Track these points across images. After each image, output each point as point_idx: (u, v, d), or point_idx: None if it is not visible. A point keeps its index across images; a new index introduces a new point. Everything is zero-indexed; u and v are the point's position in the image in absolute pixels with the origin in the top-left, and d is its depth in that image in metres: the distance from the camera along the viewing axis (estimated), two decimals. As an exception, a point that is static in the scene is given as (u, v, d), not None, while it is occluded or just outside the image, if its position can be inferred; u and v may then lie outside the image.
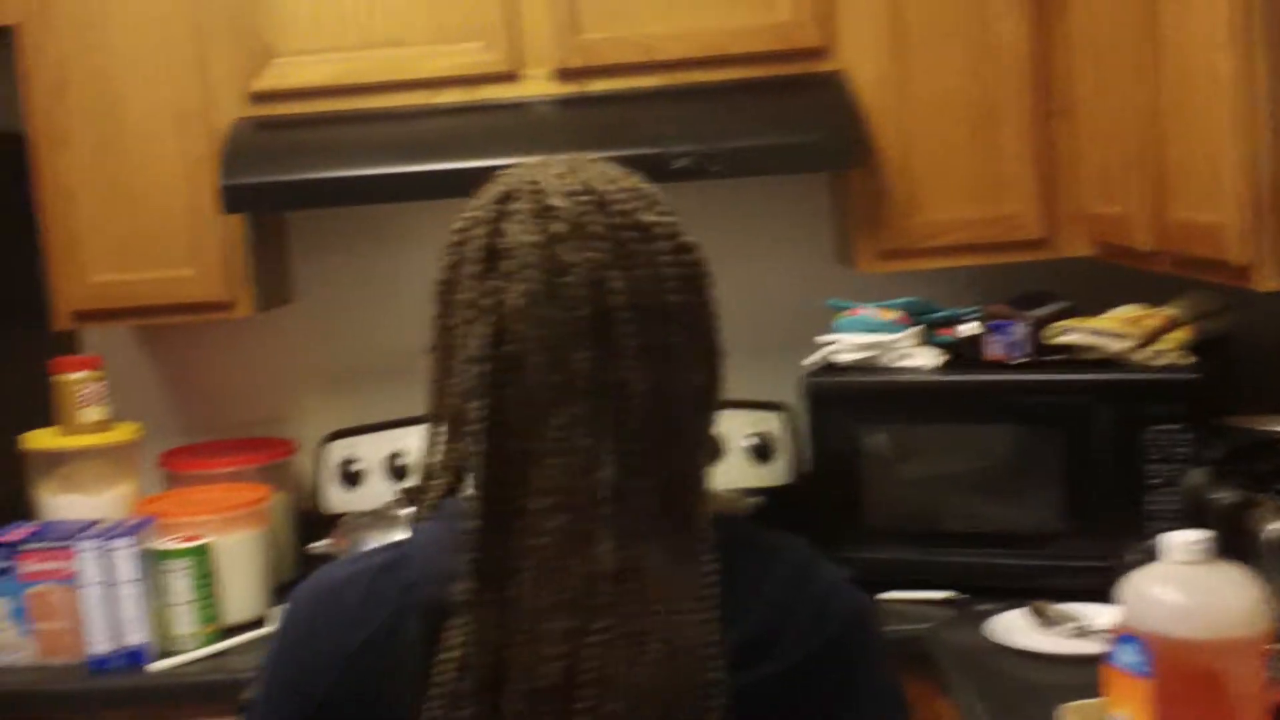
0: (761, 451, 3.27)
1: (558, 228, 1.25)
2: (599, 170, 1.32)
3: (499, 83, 3.03)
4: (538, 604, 1.21)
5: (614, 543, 1.22)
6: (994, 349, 2.87)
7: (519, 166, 1.34)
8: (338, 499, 3.32)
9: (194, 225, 3.05)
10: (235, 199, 2.91)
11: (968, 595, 2.87)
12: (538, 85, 3.03)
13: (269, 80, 3.02)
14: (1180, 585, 1.93)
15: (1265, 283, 2.11)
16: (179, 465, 3.28)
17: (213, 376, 3.53)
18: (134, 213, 3.05)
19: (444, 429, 1.33)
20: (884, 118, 2.98)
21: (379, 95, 3.03)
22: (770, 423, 3.29)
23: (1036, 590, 2.77)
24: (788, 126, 2.91)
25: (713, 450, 1.36)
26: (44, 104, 3.04)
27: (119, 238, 3.06)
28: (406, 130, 3.00)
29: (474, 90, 3.03)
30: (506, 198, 1.29)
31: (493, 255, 1.26)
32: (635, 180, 1.33)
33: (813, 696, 1.29)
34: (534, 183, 1.29)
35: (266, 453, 3.31)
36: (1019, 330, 2.85)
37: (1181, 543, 1.94)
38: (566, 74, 3.02)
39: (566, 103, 3.02)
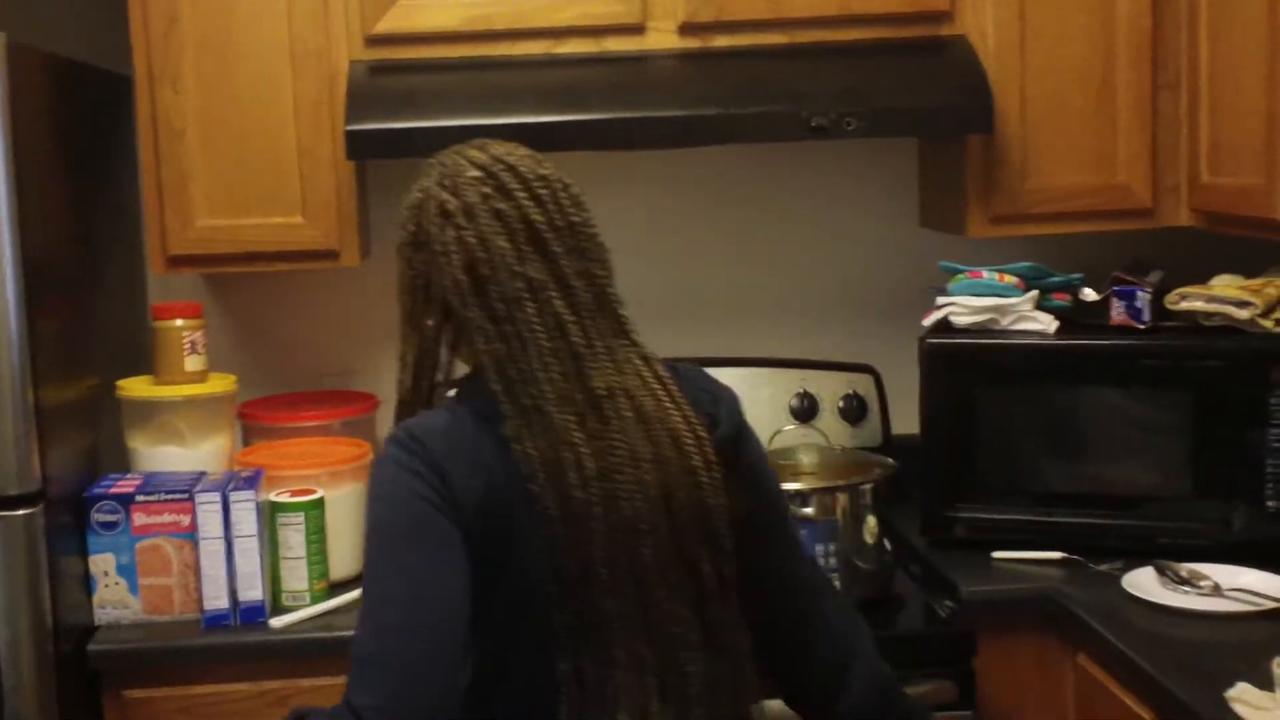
0: (853, 413, 3.29)
1: (485, 189, 1.80)
2: (504, 145, 1.87)
3: (624, 34, 2.99)
4: (564, 420, 1.75)
5: (598, 372, 1.78)
6: (1119, 314, 2.93)
7: (442, 153, 1.89)
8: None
9: (305, 170, 2.97)
10: (360, 144, 2.84)
11: (1079, 556, 2.92)
12: (663, 39, 2.99)
13: (391, 23, 2.94)
14: None
15: None
16: (259, 417, 3.19)
17: (283, 328, 3.43)
18: (243, 156, 2.95)
19: (421, 345, 1.87)
20: (1004, 84, 3.01)
21: (501, 43, 2.97)
22: (861, 384, 3.31)
23: (1151, 552, 2.84)
24: (922, 89, 2.92)
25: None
26: (153, 41, 2.92)
27: (227, 181, 2.95)
28: (530, 80, 2.94)
29: (598, 41, 2.99)
30: (442, 175, 1.84)
31: (445, 214, 1.80)
32: (523, 149, 1.88)
33: (742, 450, 1.91)
34: (459, 161, 1.85)
35: (349, 406, 3.24)
36: (1143, 296, 2.91)
37: None
38: (692, 28, 2.99)
39: (689, 57, 2.99)
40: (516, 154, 1.85)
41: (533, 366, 1.76)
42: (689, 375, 1.91)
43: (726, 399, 1.92)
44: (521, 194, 1.80)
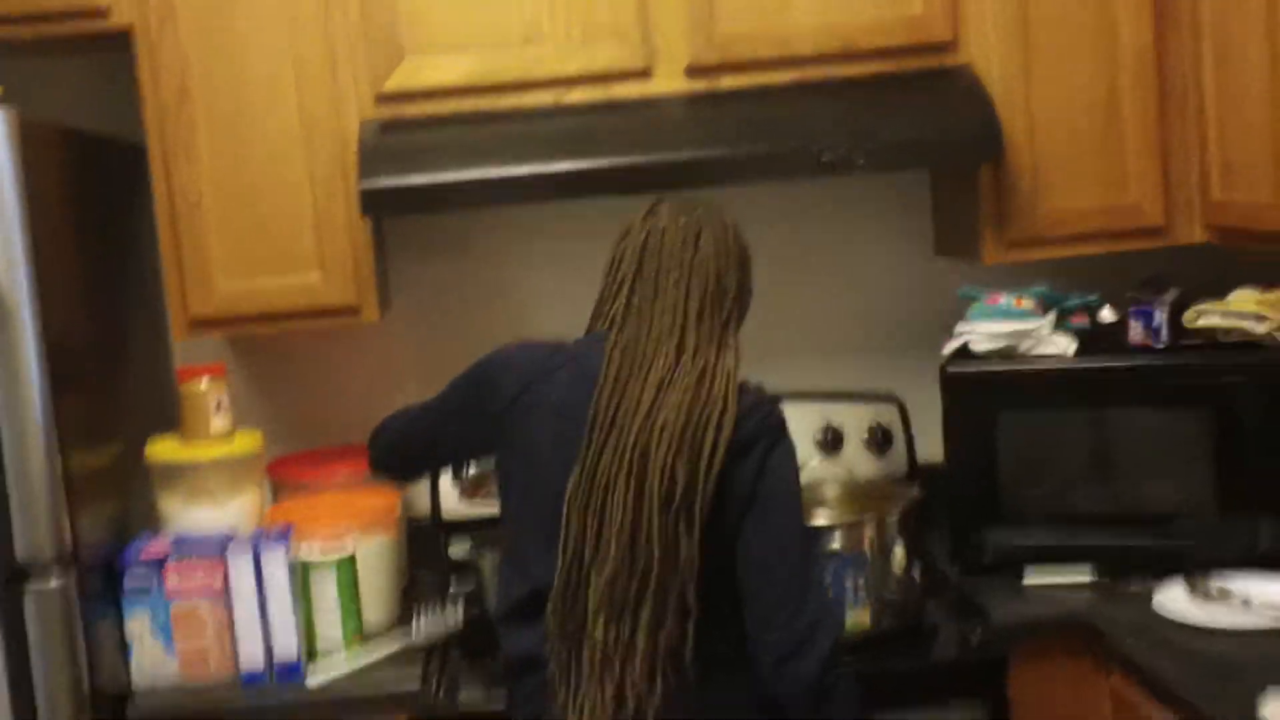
0: (879, 443, 3.30)
1: (682, 219, 2.36)
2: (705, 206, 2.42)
3: (631, 80, 3.01)
4: (646, 383, 2.25)
5: (690, 346, 2.28)
6: (1137, 334, 2.93)
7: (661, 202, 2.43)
8: (450, 503, 3.26)
9: (321, 229, 3.00)
10: (374, 201, 2.86)
11: (1109, 577, 2.93)
12: (669, 82, 3.02)
13: (400, 80, 2.98)
14: None
15: None
16: (288, 474, 3.22)
17: (308, 384, 3.47)
18: (260, 219, 2.99)
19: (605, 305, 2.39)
20: (1011, 111, 3.02)
21: (509, 95, 3.00)
22: (886, 414, 3.32)
23: (1180, 570, 2.84)
24: (930, 121, 2.93)
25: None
26: (165, 114, 2.96)
27: (245, 245, 2.99)
28: (540, 129, 2.96)
29: (606, 88, 3.01)
30: (651, 210, 2.40)
31: (651, 213, 2.38)
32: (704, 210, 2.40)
33: (751, 458, 2.25)
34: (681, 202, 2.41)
35: (376, 460, 3.26)
36: (1160, 315, 2.91)
37: None
38: (698, 70, 3.02)
39: (697, 100, 3.01)
40: (706, 207, 2.41)
41: (653, 324, 2.29)
42: (748, 396, 2.31)
43: (754, 421, 2.27)
44: (704, 225, 2.35)
